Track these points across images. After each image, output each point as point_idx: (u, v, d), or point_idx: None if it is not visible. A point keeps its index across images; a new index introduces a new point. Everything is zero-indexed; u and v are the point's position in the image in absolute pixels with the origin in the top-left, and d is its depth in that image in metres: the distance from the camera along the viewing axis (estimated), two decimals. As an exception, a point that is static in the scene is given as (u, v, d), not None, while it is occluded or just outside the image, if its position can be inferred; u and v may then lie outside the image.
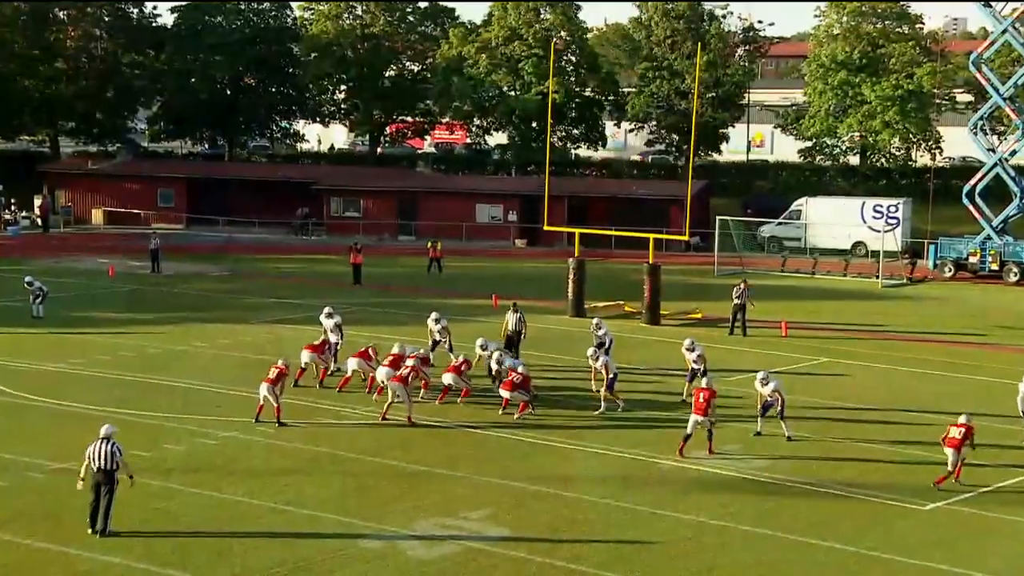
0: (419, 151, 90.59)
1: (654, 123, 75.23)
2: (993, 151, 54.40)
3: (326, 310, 31.10)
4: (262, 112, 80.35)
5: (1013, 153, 55.02)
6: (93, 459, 18.40)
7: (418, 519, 19.39)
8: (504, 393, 26.04)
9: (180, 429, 24.47)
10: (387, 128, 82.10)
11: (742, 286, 36.86)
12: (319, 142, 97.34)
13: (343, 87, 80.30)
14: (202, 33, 76.46)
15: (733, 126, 77.04)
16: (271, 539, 18.46)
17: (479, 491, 20.93)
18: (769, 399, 24.55)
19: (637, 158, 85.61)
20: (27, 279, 38.49)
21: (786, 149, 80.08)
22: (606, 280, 46.01)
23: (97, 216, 68.60)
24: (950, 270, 53.10)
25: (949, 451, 21.68)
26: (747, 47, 79.78)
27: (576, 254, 40.39)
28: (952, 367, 32.75)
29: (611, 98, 76.94)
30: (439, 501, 20.33)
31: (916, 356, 34.09)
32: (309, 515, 19.54)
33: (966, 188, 54.25)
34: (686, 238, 44.24)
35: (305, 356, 28.40)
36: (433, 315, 31.10)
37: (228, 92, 79.68)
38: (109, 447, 18.40)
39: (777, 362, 32.30)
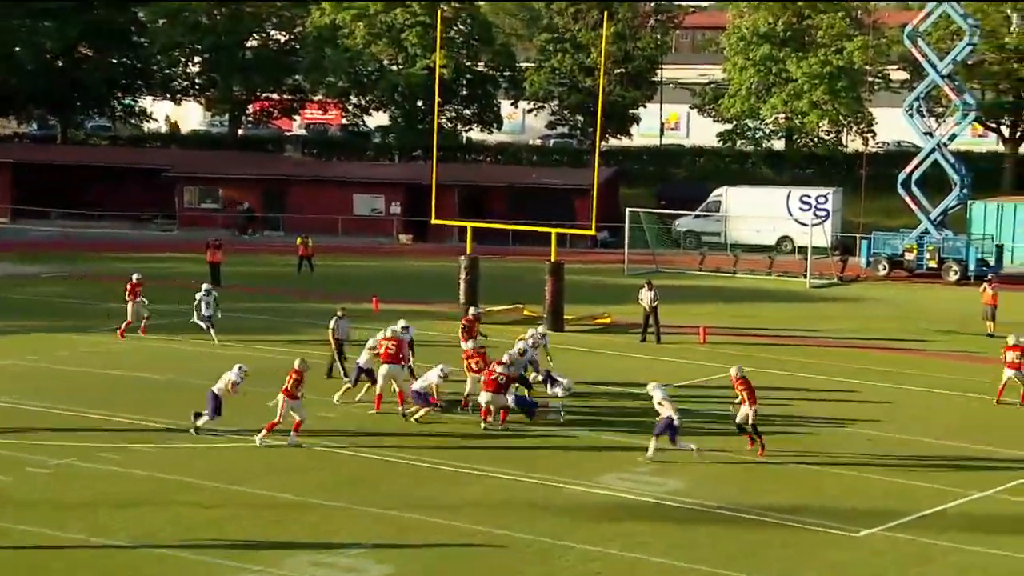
0: (287, 133, 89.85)
1: (556, 102, 75.73)
2: (931, 135, 55.43)
3: (401, 323, 29.76)
4: (101, 87, 78.87)
5: (952, 137, 56.02)
6: None
7: (287, 556, 19.21)
8: (486, 397, 26.22)
9: (4, 456, 23.89)
10: (249, 106, 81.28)
11: (649, 287, 37.09)
12: (167, 119, 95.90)
13: (197, 59, 79.24)
14: (29, -6, 74.80)
15: (644, 106, 77.89)
16: (113, 583, 18.12)
17: (358, 522, 20.82)
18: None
19: (537, 142, 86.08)
20: (205, 287, 36.88)
21: (704, 132, 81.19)
22: (503, 280, 46.10)
23: (-98, 208, 66.76)
24: (884, 268, 54.21)
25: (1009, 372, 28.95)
26: (659, 17, 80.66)
27: (468, 251, 40.41)
28: (888, 376, 33.45)
29: (507, 74, 77.21)
30: (311, 535, 20.18)
31: (849, 364, 34.76)
32: (156, 554, 19.22)
33: (901, 176, 55.22)
34: (593, 233, 44.64)
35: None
36: (401, 322, 30.07)
37: (60, 64, 78.05)
38: None
39: (695, 372, 32.71)
